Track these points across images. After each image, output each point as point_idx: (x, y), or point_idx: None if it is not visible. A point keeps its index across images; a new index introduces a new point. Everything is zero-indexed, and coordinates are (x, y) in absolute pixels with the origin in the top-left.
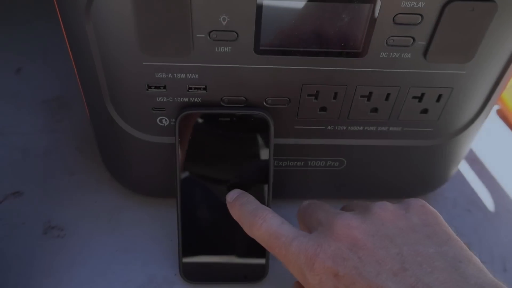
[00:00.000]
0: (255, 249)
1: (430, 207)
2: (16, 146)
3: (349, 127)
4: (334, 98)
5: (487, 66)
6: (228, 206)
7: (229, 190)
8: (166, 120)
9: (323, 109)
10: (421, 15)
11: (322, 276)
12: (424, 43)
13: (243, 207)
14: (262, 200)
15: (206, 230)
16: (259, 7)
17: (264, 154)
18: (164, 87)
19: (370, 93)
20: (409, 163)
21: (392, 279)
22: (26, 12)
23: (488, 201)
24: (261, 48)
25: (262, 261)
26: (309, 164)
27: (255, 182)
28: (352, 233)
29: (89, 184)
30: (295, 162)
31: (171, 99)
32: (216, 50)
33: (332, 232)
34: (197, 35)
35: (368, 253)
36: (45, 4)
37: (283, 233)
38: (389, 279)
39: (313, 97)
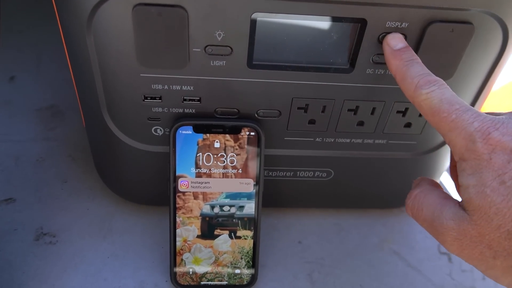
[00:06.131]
0: (245, 257)
1: None
2: (9, 153)
3: (336, 139)
4: (323, 111)
5: (466, 83)
6: (390, 53)
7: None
8: (161, 130)
9: (312, 121)
10: (404, 34)
11: (497, 147)
12: None
13: (413, 65)
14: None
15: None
16: (253, 24)
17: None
18: (160, 98)
19: (357, 107)
20: (394, 174)
21: None
22: (20, 21)
23: None
24: (254, 62)
25: (251, 270)
26: (298, 175)
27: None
28: None
29: (82, 191)
30: (284, 173)
31: (166, 110)
32: (211, 64)
33: None
34: (193, 49)
35: None
36: (38, 13)
37: (459, 101)
38: None
39: (303, 110)
